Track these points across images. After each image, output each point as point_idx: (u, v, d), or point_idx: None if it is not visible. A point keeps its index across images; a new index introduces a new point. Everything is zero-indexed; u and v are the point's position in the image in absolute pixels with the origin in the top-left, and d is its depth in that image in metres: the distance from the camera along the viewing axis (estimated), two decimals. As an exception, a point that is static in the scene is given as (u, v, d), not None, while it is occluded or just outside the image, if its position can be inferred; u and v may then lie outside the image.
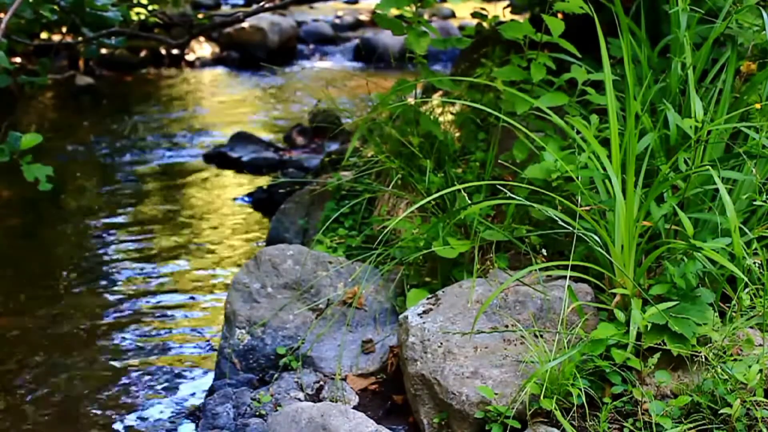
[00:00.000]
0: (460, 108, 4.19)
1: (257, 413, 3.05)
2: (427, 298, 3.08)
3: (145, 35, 7.26)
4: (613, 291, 2.78)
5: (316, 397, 3.11)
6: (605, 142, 3.05)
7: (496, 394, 2.62)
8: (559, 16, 3.49)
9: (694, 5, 3.29)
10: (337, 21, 12.29)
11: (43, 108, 8.62)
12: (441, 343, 2.82)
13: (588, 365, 2.62)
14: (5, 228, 5.47)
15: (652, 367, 2.60)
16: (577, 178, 3.01)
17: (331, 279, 3.45)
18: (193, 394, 3.61)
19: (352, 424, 2.62)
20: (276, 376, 3.23)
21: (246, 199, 5.97)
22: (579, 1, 3.32)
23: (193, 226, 5.53)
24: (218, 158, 6.82)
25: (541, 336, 2.79)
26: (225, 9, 12.27)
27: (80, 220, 5.61)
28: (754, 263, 2.68)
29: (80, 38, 5.83)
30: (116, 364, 3.87)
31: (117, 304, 4.44)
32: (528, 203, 2.97)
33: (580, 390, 2.52)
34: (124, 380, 3.73)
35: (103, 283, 4.69)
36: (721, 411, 2.46)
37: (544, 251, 3.13)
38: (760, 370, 2.43)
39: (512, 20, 3.69)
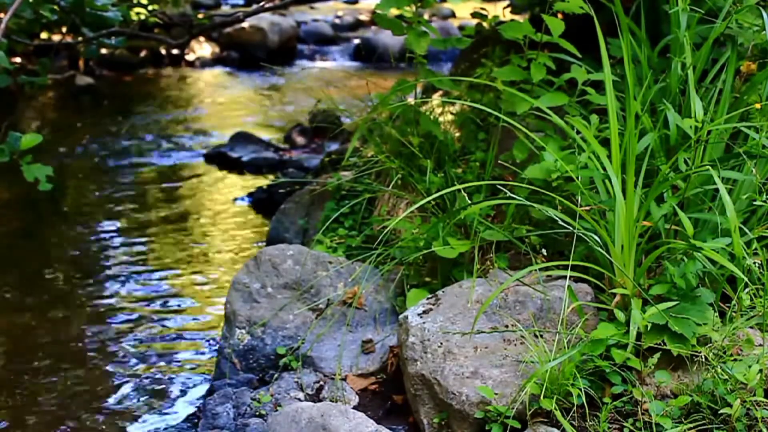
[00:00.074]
0: (460, 108, 4.19)
1: (257, 413, 3.05)
2: (427, 298, 3.08)
3: (145, 35, 7.27)
4: (613, 291, 2.78)
5: (316, 397, 3.11)
6: (605, 142, 3.05)
7: (496, 394, 2.62)
8: (559, 16, 3.49)
9: (694, 5, 3.29)
10: (337, 21, 12.29)
11: (43, 108, 8.62)
12: (441, 343, 2.82)
13: (588, 365, 2.62)
14: (5, 228, 5.47)
15: (652, 367, 2.60)
16: (577, 178, 3.01)
17: (331, 279, 3.45)
18: (193, 394, 3.61)
19: (352, 424, 2.62)
20: (276, 376, 3.23)
21: (246, 199, 5.97)
22: (579, 1, 3.32)
23: (192, 226, 5.53)
24: (218, 158, 6.82)
25: (541, 336, 2.79)
26: (225, 9, 12.26)
27: (80, 220, 5.61)
28: (754, 263, 2.68)
29: (80, 38, 5.83)
30: (116, 363, 3.87)
31: (117, 304, 4.44)
32: (528, 203, 2.97)
33: (580, 390, 2.52)
34: (124, 379, 3.73)
35: (103, 282, 4.69)
36: (721, 411, 2.46)
37: (544, 251, 3.13)
38: (760, 370, 2.43)
39: (512, 20, 3.70)
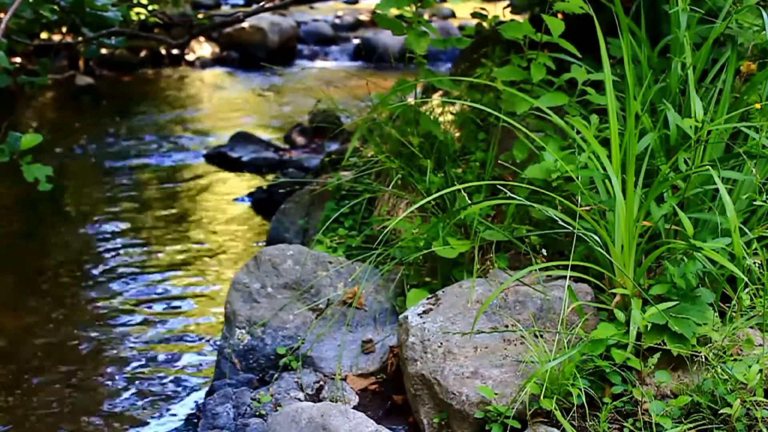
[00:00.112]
0: (460, 108, 4.19)
1: (257, 413, 3.05)
2: (427, 298, 3.08)
3: (145, 35, 7.26)
4: (613, 291, 2.78)
5: (316, 397, 3.11)
6: (605, 142, 3.05)
7: (496, 394, 2.62)
8: (559, 16, 3.49)
9: (694, 5, 3.29)
10: (337, 21, 12.29)
11: (43, 108, 8.62)
12: (441, 343, 2.82)
13: (588, 365, 2.62)
14: (5, 228, 5.47)
15: (652, 367, 2.60)
16: (577, 178, 3.01)
17: (331, 279, 3.45)
18: (193, 394, 3.61)
19: (352, 424, 2.62)
20: (276, 376, 3.23)
21: (246, 199, 5.97)
22: (579, 1, 3.32)
23: (192, 226, 5.53)
24: (218, 158, 6.82)
25: (541, 336, 2.79)
26: (225, 9, 12.26)
27: (80, 220, 5.61)
28: (754, 263, 2.68)
29: (80, 38, 5.83)
30: (115, 363, 3.87)
31: (116, 304, 4.44)
32: (528, 203, 2.97)
33: (580, 390, 2.52)
34: (123, 379, 3.73)
35: (103, 282, 4.69)
36: (721, 411, 2.46)
37: (544, 251, 3.13)
38: (760, 370, 2.43)
39: (512, 20, 3.69)
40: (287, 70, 10.46)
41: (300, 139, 7.12)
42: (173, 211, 5.81)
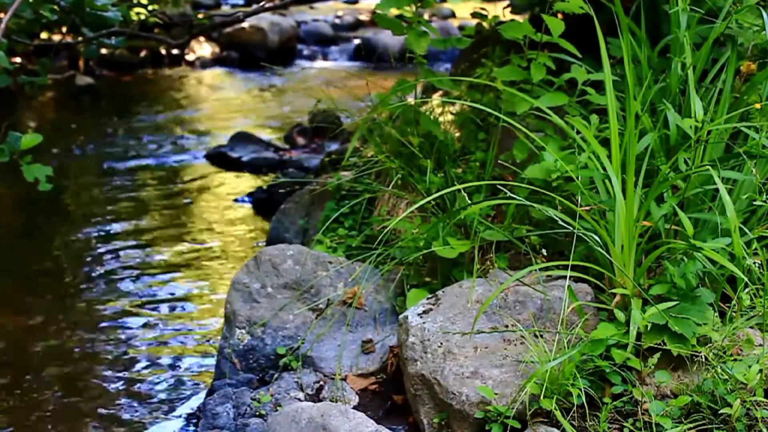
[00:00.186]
0: (460, 108, 4.19)
1: (257, 413, 3.05)
2: (427, 298, 3.08)
3: (145, 35, 7.26)
4: (613, 291, 2.78)
5: (316, 397, 3.11)
6: (605, 142, 3.05)
7: (496, 394, 2.62)
8: (559, 16, 3.49)
9: (694, 5, 3.29)
10: (337, 21, 12.29)
11: (43, 108, 8.62)
12: (441, 343, 2.82)
13: (588, 365, 2.62)
14: (5, 228, 5.47)
15: (652, 367, 2.60)
16: (577, 178, 3.01)
17: (331, 279, 3.45)
18: (193, 394, 3.61)
19: (352, 424, 2.62)
20: (276, 376, 3.23)
21: (246, 199, 5.97)
22: (579, 1, 3.31)
23: (192, 226, 5.53)
24: (218, 158, 6.83)
25: (541, 336, 2.79)
26: (225, 9, 12.26)
27: (80, 220, 5.61)
28: (754, 263, 2.68)
29: (80, 38, 5.83)
30: (115, 363, 3.87)
31: (116, 304, 4.44)
32: (528, 203, 2.97)
33: (580, 390, 2.52)
34: (124, 379, 3.73)
35: (103, 283, 4.69)
36: (721, 411, 2.46)
37: (544, 251, 3.13)
38: (760, 370, 2.43)
39: (512, 20, 3.69)
40: (287, 70, 10.46)
41: (300, 139, 7.12)
42: (173, 211, 5.81)
